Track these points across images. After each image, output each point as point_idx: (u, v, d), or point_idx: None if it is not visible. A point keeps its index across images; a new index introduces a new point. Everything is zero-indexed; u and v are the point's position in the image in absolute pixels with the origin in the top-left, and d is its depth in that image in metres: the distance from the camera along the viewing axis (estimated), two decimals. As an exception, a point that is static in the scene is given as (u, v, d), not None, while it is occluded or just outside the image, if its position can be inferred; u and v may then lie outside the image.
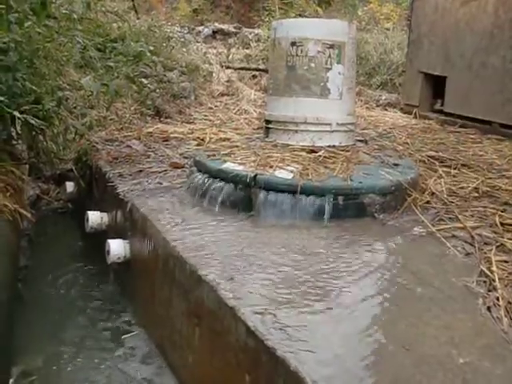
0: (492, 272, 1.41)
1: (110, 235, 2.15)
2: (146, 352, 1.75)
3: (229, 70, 5.87)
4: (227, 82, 5.38)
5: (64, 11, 2.64)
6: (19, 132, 2.41)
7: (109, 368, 1.69)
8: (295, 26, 2.32)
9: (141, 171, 2.43)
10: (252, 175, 1.83)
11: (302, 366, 0.99)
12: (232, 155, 2.11)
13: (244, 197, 1.85)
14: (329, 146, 2.21)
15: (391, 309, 1.24)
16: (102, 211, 2.37)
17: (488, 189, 2.15)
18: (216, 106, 4.51)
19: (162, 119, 3.77)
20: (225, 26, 9.19)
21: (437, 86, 4.42)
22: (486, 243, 1.62)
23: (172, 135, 3.18)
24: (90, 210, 2.38)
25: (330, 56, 2.22)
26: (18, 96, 2.20)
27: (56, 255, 2.55)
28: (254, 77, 5.97)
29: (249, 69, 6.17)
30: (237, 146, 2.28)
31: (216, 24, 9.38)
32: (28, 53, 2.23)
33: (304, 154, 2.08)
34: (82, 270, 2.38)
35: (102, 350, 1.78)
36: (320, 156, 2.07)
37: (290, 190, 1.78)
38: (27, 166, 2.78)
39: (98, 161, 2.64)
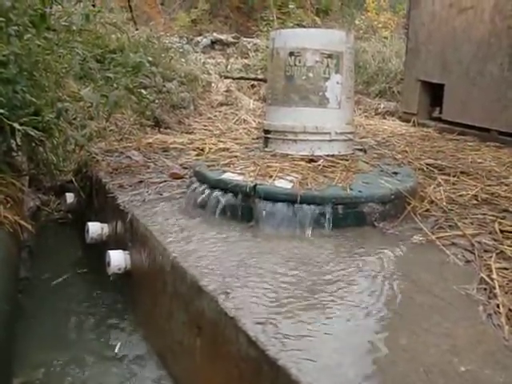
0: (492, 279, 1.41)
1: (111, 246, 2.16)
2: (148, 363, 1.74)
3: (228, 80, 5.89)
4: (226, 91, 5.41)
5: (63, 23, 2.66)
6: (19, 144, 2.42)
7: (110, 379, 1.68)
8: (293, 36, 2.33)
9: (141, 182, 2.43)
10: (251, 185, 1.83)
11: (303, 376, 0.99)
12: (231, 165, 2.12)
13: (244, 207, 1.86)
14: (328, 155, 2.22)
15: (392, 317, 1.24)
16: (102, 222, 2.37)
17: (487, 196, 2.15)
18: (215, 116, 4.53)
19: (161, 130, 3.79)
20: (223, 36, 9.22)
21: (435, 93, 4.44)
22: (485, 250, 1.63)
23: (171, 146, 3.19)
24: (90, 221, 2.38)
25: (328, 66, 2.23)
26: (18, 108, 2.20)
27: (56, 266, 2.55)
28: (253, 86, 5.99)
29: (247, 78, 6.20)
30: (236, 156, 2.29)
31: (215, 34, 9.43)
32: (28, 65, 2.24)
33: (303, 163, 2.09)
34: (82, 281, 2.38)
35: (103, 361, 1.78)
36: (319, 165, 2.08)
37: (290, 199, 1.78)
38: (27, 177, 2.79)
39: (97, 172, 2.64)
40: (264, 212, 1.80)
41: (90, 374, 1.71)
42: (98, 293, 2.25)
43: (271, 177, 1.91)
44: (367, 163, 2.25)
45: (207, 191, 1.96)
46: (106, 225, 2.36)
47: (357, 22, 9.53)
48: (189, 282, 1.46)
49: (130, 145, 3.17)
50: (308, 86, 2.24)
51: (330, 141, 2.26)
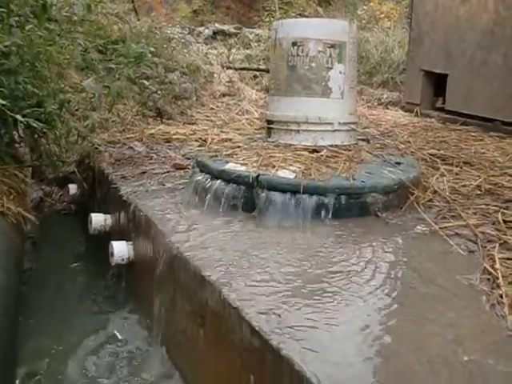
0: (495, 269, 1.41)
1: (114, 237, 2.16)
2: (151, 352, 1.75)
3: (230, 71, 5.85)
4: (228, 82, 5.38)
5: (65, 14, 2.65)
6: (22, 135, 2.42)
7: (114, 369, 1.69)
8: (296, 26, 2.32)
9: (143, 173, 2.43)
10: (254, 175, 1.83)
11: (306, 366, 0.99)
12: (234, 156, 2.11)
13: (247, 197, 1.85)
14: (331, 146, 2.21)
15: (395, 307, 1.24)
16: (105, 213, 2.37)
17: (490, 186, 2.15)
18: (217, 107, 4.51)
19: (163, 120, 3.77)
20: (225, 27, 9.17)
21: (438, 83, 4.41)
22: (489, 241, 1.62)
23: (174, 136, 3.19)
24: (93, 211, 2.39)
25: (330, 55, 2.22)
26: (20, 99, 2.20)
27: (60, 257, 2.56)
28: (255, 77, 5.97)
29: (250, 69, 6.17)
30: (239, 147, 2.28)
31: (216, 25, 9.37)
32: (29, 56, 2.24)
33: (306, 153, 2.08)
34: (85, 272, 2.39)
35: (106, 352, 1.78)
36: (322, 155, 2.07)
37: (293, 189, 1.78)
38: (30, 168, 2.79)
39: (100, 163, 2.64)
40: (267, 202, 1.80)
41: (93, 363, 1.72)
42: (101, 283, 2.25)
43: (274, 167, 1.91)
44: (370, 153, 2.24)
45: (210, 182, 1.96)
46: (109, 216, 2.36)
47: (359, 11, 9.48)
48: (192, 272, 1.46)
49: (133, 136, 3.16)
50: (311, 76, 2.23)
51: (333, 131, 2.26)
